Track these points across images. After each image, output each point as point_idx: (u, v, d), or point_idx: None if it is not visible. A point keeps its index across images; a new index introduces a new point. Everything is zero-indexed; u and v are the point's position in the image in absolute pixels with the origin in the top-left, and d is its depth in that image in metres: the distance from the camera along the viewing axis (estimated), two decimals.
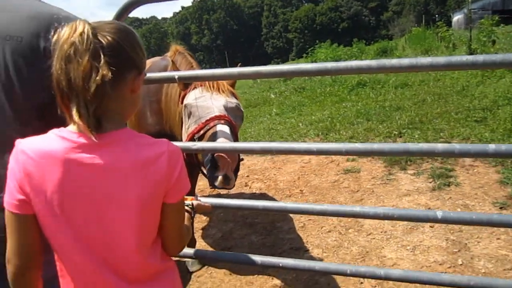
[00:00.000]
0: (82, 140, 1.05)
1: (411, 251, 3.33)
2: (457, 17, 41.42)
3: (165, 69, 3.10)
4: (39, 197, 1.06)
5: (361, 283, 3.02)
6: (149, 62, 4.13)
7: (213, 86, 2.49)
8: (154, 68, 3.26)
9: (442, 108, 7.10)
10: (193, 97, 2.45)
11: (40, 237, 1.13)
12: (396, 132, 6.16)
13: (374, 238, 3.61)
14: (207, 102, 2.38)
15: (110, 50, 1.04)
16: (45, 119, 1.40)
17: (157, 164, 1.10)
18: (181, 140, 2.69)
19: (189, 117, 2.45)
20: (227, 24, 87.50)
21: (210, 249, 3.79)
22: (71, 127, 1.09)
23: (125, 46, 1.08)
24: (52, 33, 1.42)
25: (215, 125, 2.29)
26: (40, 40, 1.42)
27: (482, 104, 6.82)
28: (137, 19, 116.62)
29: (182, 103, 2.55)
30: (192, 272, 3.48)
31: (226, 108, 2.42)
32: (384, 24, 76.38)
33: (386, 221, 3.85)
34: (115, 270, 1.13)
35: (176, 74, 1.93)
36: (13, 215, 1.09)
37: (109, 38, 1.05)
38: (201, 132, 2.31)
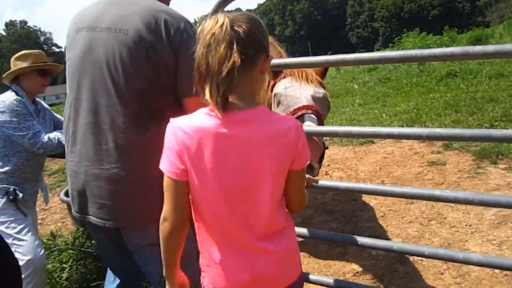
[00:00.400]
0: (227, 117, 1.24)
1: (497, 246, 3.22)
2: None
3: None
4: (195, 165, 1.26)
5: (442, 273, 3.00)
6: None
7: (302, 76, 2.57)
8: None
9: None
10: (283, 86, 2.57)
11: (189, 201, 1.34)
12: (488, 125, 5.86)
13: (457, 231, 3.54)
14: (296, 92, 2.48)
15: (245, 38, 1.20)
16: (143, 104, 1.61)
17: (287, 136, 1.28)
18: None
19: (278, 106, 2.56)
20: (311, 14, 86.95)
21: None
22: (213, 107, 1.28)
23: (257, 34, 1.23)
24: (153, 27, 1.59)
25: (302, 115, 2.39)
26: (143, 34, 1.59)
27: None
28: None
29: (272, 91, 2.69)
30: None
31: (314, 98, 2.50)
32: (480, 10, 71.42)
33: (471, 214, 3.75)
34: (249, 227, 1.32)
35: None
36: (173, 181, 1.29)
37: (244, 27, 1.21)
38: None
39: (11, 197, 2.62)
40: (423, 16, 74.28)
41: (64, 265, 3.29)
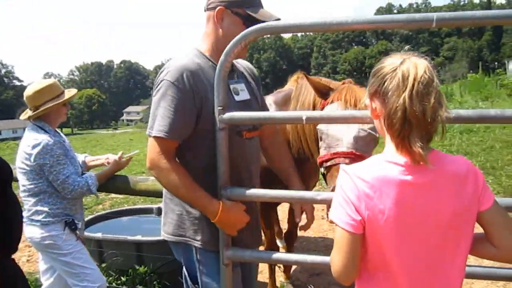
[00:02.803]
0: (410, 164, 1.18)
1: None
2: None
3: (284, 100, 3.07)
4: (376, 216, 1.19)
5: None
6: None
7: (351, 103, 2.30)
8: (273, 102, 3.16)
9: None
10: None
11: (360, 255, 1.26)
12: None
13: None
14: (338, 130, 2.19)
15: (437, 87, 1.18)
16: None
17: (467, 176, 1.21)
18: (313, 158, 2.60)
19: (321, 140, 2.28)
20: (277, 64, 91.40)
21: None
22: (393, 153, 1.22)
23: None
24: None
25: (338, 164, 2.08)
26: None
27: None
28: None
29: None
30: None
31: (357, 139, 2.13)
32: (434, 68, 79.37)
33: None
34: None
35: (304, 114, 1.75)
36: (348, 234, 1.22)
37: (428, 76, 1.17)
38: (328, 163, 2.19)
39: (72, 227, 2.65)
40: None
41: None
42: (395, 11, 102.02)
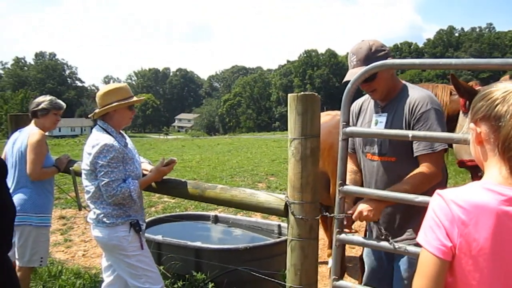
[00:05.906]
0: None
1: None
2: None
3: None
4: (469, 245, 1.12)
5: None
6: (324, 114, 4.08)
7: None
8: None
9: None
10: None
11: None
12: None
13: None
14: None
15: None
16: None
17: None
18: None
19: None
20: (330, 81, 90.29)
21: None
22: (494, 181, 1.15)
23: None
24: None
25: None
26: None
27: None
28: (243, 67, 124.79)
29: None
30: None
31: None
32: None
33: None
34: None
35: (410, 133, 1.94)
36: (436, 259, 1.15)
37: None
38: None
39: (137, 228, 2.66)
40: None
41: None
42: (456, 34, 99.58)
